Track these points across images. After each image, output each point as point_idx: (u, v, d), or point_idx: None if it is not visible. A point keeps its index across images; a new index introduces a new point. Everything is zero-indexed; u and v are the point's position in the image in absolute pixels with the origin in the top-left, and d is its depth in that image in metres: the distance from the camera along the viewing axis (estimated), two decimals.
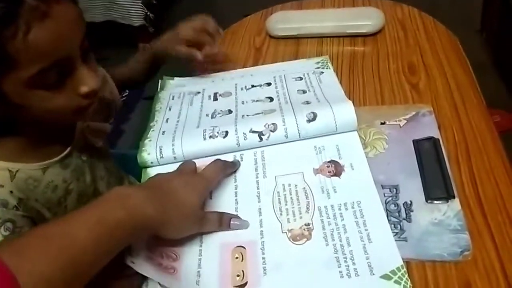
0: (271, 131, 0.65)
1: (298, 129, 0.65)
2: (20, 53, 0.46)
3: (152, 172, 0.65)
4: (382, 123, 0.67)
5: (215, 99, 0.77)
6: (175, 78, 0.86)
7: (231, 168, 0.63)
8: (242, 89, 0.79)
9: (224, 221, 0.56)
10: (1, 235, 0.51)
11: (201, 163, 0.62)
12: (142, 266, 0.49)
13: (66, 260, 0.40)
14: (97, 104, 0.59)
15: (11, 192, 0.54)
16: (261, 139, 0.65)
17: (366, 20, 0.88)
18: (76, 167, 0.63)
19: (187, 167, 0.60)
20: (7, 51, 0.45)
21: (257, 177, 0.62)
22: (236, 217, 0.57)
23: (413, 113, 0.68)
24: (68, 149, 0.62)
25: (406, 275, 0.48)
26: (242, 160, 0.65)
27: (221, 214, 0.57)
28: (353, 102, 0.71)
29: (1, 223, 0.51)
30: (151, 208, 0.48)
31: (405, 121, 0.67)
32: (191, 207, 0.53)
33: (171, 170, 0.59)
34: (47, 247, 0.40)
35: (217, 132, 0.66)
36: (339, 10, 0.99)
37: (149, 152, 0.66)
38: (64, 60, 0.50)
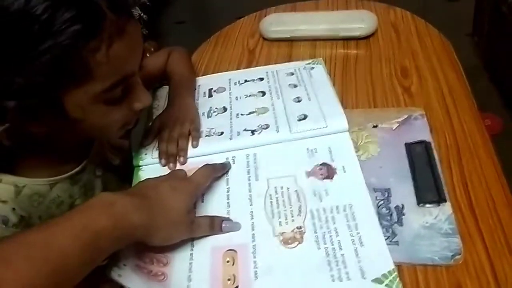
0: (264, 129, 0.68)
1: (289, 126, 0.67)
2: (100, 66, 0.46)
3: (143, 174, 0.65)
4: (374, 126, 0.68)
5: (210, 95, 0.79)
6: None
7: (221, 170, 0.63)
8: (235, 83, 0.80)
9: (216, 225, 0.56)
10: None
11: (192, 166, 0.62)
12: (129, 279, 0.49)
13: (50, 268, 0.40)
14: None
15: (14, 209, 0.53)
16: (253, 133, 0.68)
17: (359, 23, 0.89)
18: (86, 182, 0.62)
19: (176, 173, 0.60)
20: (88, 63, 0.45)
21: (249, 179, 0.62)
22: (227, 219, 0.57)
23: (405, 116, 0.68)
24: (82, 165, 0.61)
25: (398, 279, 0.48)
26: (234, 163, 0.65)
27: (212, 217, 0.56)
28: (345, 105, 0.72)
29: None
30: (136, 216, 0.47)
31: (397, 124, 0.67)
32: (178, 213, 0.52)
33: (161, 173, 0.59)
34: (31, 255, 0.40)
35: (213, 133, 0.69)
36: (333, 13, 0.99)
37: (146, 153, 0.67)
38: (130, 75, 0.51)
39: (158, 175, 0.58)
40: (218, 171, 0.62)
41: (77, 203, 0.60)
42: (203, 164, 0.61)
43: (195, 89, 0.80)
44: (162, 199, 0.52)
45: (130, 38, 0.48)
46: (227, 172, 0.64)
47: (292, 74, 0.80)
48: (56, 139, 0.54)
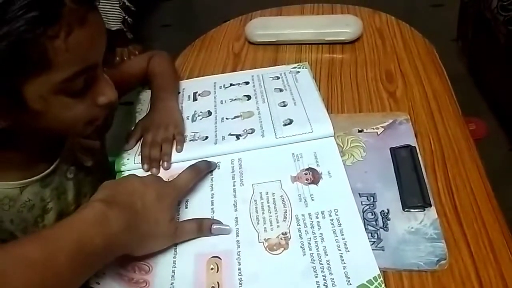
0: (249, 133, 0.68)
1: (274, 130, 0.67)
2: (59, 54, 0.45)
3: None
4: (359, 131, 0.67)
5: (195, 99, 0.78)
6: None
7: (205, 170, 0.62)
8: (220, 87, 0.80)
9: (205, 227, 0.55)
10: None
11: (176, 171, 0.61)
12: (108, 286, 0.48)
13: None
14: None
15: None
16: (238, 138, 0.67)
17: (345, 27, 0.89)
18: (58, 185, 0.61)
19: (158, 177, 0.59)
20: (46, 51, 0.44)
21: (234, 185, 0.61)
22: (218, 222, 0.56)
23: (390, 121, 0.68)
24: (52, 167, 0.59)
25: (383, 285, 0.48)
26: (219, 168, 0.64)
27: (201, 220, 0.56)
28: (331, 110, 0.72)
29: None
30: (127, 235, 0.48)
31: (383, 129, 0.67)
32: (162, 224, 0.52)
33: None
34: (30, 276, 0.40)
35: (198, 137, 0.68)
36: (318, 17, 0.99)
37: (128, 158, 0.66)
38: (93, 67, 0.50)
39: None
40: (203, 171, 0.61)
41: (50, 207, 0.59)
42: (189, 166, 0.60)
43: (179, 93, 0.79)
44: (149, 211, 0.51)
45: (91, 28, 0.48)
46: (211, 172, 0.63)
47: (278, 78, 0.80)
48: (20, 135, 0.53)
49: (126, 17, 1.92)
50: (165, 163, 0.64)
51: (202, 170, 0.61)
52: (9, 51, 0.43)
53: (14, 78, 0.45)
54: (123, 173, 0.65)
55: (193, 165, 0.61)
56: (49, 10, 0.43)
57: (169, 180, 0.58)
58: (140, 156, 0.66)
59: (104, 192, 0.51)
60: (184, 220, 0.56)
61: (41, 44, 0.43)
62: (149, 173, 0.64)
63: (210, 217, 0.57)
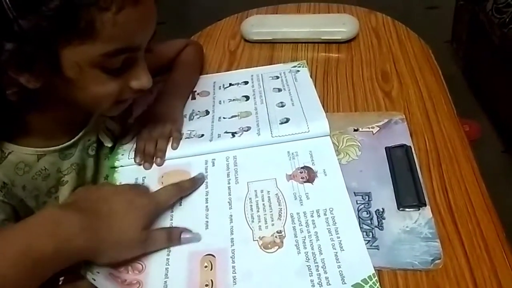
0: (245, 131, 0.67)
1: (270, 129, 0.66)
2: (105, 27, 0.45)
3: (118, 177, 0.63)
4: (355, 130, 0.67)
5: (193, 98, 0.77)
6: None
7: (190, 188, 0.59)
8: (220, 87, 0.80)
9: (174, 236, 0.53)
10: None
11: (169, 169, 0.61)
12: (103, 285, 0.47)
13: None
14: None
15: None
16: (233, 136, 0.66)
17: (341, 27, 0.89)
18: (78, 161, 0.61)
19: (138, 186, 0.59)
20: (93, 21, 0.45)
21: (229, 183, 0.61)
22: (187, 230, 0.54)
23: (386, 120, 0.68)
24: (73, 140, 0.60)
25: (378, 284, 0.48)
26: (213, 166, 0.63)
27: (170, 229, 0.54)
28: (326, 108, 0.72)
29: None
30: (82, 239, 0.45)
31: (378, 128, 0.67)
32: (130, 233, 0.49)
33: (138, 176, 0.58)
34: None
35: (193, 135, 0.68)
36: (315, 16, 0.99)
37: (122, 153, 0.66)
38: (135, 49, 0.50)
39: (135, 178, 0.56)
40: (186, 190, 0.59)
41: (65, 180, 0.59)
42: (173, 183, 0.58)
43: (192, 92, 0.78)
44: (114, 217, 0.49)
45: (143, 11, 0.48)
46: (205, 170, 0.62)
47: (277, 77, 0.80)
48: (48, 101, 0.53)
49: None
50: (158, 159, 0.63)
51: (186, 189, 0.59)
52: (59, 11, 0.43)
53: (57, 40, 0.45)
54: (116, 169, 0.64)
55: (176, 183, 0.58)
56: None
57: (160, 179, 0.59)
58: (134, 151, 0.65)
59: (70, 198, 0.50)
60: (155, 229, 0.54)
61: (91, 13, 0.44)
62: (141, 167, 0.63)
63: (204, 215, 0.57)
